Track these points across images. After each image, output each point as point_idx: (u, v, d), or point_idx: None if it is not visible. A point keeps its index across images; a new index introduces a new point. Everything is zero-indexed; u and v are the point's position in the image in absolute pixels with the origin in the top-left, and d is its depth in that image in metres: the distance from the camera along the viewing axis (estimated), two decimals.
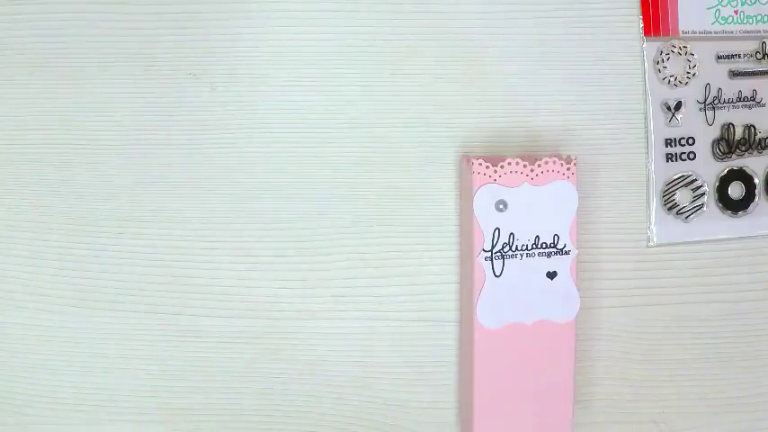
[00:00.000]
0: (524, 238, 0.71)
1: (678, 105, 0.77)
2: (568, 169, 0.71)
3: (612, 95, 0.78)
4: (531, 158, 0.71)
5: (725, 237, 0.79)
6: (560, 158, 0.71)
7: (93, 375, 0.79)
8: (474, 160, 0.71)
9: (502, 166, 0.70)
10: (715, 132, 0.78)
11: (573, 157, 0.72)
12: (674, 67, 0.77)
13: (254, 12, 0.76)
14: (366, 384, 0.80)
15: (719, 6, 0.77)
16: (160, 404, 0.80)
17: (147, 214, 0.78)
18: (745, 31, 0.78)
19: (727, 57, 0.77)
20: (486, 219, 0.71)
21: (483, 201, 0.70)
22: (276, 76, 0.76)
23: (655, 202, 0.78)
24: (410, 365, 0.80)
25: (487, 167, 0.70)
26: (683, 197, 0.78)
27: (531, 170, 0.71)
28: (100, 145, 0.77)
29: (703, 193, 0.78)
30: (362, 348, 0.79)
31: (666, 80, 0.77)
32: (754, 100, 0.78)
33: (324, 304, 0.79)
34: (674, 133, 0.78)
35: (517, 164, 0.70)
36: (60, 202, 0.77)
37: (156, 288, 0.78)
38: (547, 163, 0.71)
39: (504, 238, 0.71)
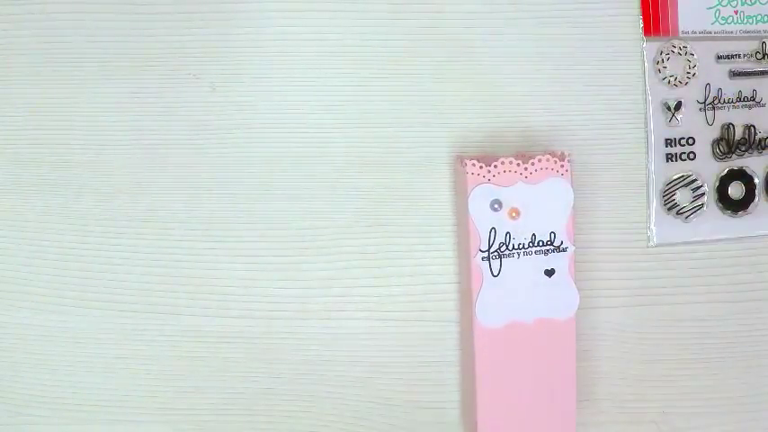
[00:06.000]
0: (521, 237, 0.73)
1: (678, 105, 0.80)
2: (562, 166, 0.73)
3: (612, 95, 0.80)
4: (524, 157, 0.73)
5: (725, 237, 0.81)
6: (554, 156, 0.73)
7: (93, 375, 0.82)
8: (467, 161, 0.73)
9: (495, 166, 0.72)
10: (715, 132, 0.80)
11: (566, 154, 0.74)
12: (674, 67, 0.79)
13: (255, 12, 0.78)
14: (366, 384, 0.82)
15: (719, 6, 0.79)
16: (160, 404, 0.82)
17: (147, 214, 0.80)
18: (745, 31, 0.80)
19: (727, 57, 0.80)
20: (481, 219, 0.73)
21: (478, 201, 0.72)
22: (276, 76, 0.79)
23: (655, 202, 0.81)
24: (410, 365, 0.82)
25: (481, 168, 0.72)
26: (683, 197, 0.81)
27: (525, 168, 0.73)
28: (100, 145, 0.79)
29: (703, 193, 0.81)
30: (362, 348, 0.82)
31: (666, 80, 0.79)
32: (754, 100, 0.80)
33: (324, 304, 0.81)
34: (674, 133, 0.80)
35: (511, 163, 0.72)
36: (60, 202, 0.80)
37: (156, 288, 0.81)
38: (540, 161, 0.73)
39: (500, 238, 0.73)
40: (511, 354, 0.76)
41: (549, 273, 0.75)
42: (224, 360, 0.82)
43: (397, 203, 0.80)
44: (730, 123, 0.80)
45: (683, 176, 0.81)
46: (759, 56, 0.80)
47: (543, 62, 0.80)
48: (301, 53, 0.79)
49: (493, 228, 0.73)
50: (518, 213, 0.73)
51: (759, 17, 0.80)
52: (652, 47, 0.79)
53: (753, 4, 0.80)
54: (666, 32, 0.80)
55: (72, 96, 0.79)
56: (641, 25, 0.79)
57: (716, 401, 0.84)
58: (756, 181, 0.81)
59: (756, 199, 0.81)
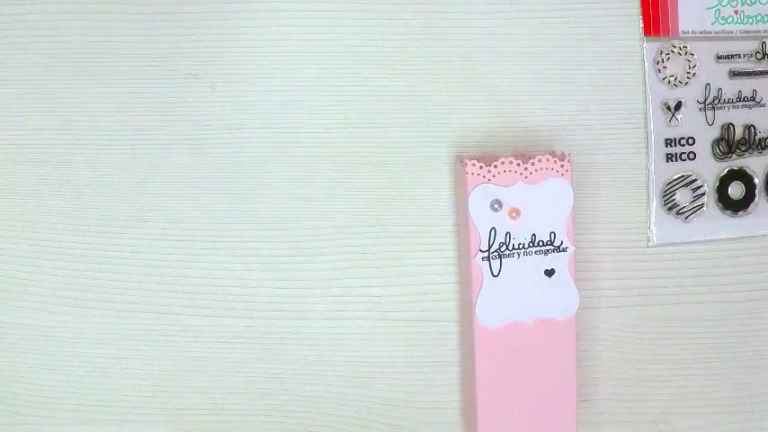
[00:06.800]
0: (521, 237, 0.74)
1: (678, 105, 0.80)
2: (562, 166, 0.74)
3: (612, 95, 0.80)
4: (524, 157, 0.74)
5: (725, 237, 0.82)
6: (554, 156, 0.74)
7: (93, 375, 0.82)
8: (467, 161, 0.73)
9: (495, 166, 0.73)
10: (715, 132, 0.81)
11: (566, 154, 0.74)
12: (674, 67, 0.80)
13: (255, 12, 0.78)
14: (366, 384, 0.83)
15: (719, 6, 0.80)
16: (160, 404, 0.83)
17: (147, 214, 0.80)
18: (745, 31, 0.80)
19: (727, 57, 0.80)
20: (481, 219, 0.73)
21: (478, 201, 0.73)
22: (276, 76, 0.79)
23: (655, 202, 0.81)
24: (410, 365, 0.82)
25: (481, 168, 0.73)
26: (683, 197, 0.81)
27: (525, 168, 0.73)
28: (100, 145, 0.80)
29: (703, 193, 0.81)
30: (362, 348, 0.82)
31: (666, 80, 0.80)
32: (754, 100, 0.80)
33: (324, 304, 0.81)
34: (674, 133, 0.80)
35: (511, 163, 0.73)
36: (60, 202, 0.80)
37: (156, 288, 0.81)
38: (540, 161, 0.73)
39: (500, 238, 0.73)
40: (511, 354, 0.76)
41: (549, 273, 0.75)
42: (224, 360, 0.82)
43: (397, 203, 0.81)
44: (730, 123, 0.81)
45: (683, 176, 0.81)
46: (759, 56, 0.81)
47: (543, 62, 0.80)
48: (301, 53, 0.79)
49: (493, 228, 0.74)
50: (518, 213, 0.74)
51: (759, 17, 0.81)
52: (652, 47, 0.80)
53: (753, 4, 0.80)
54: (666, 32, 0.80)
55: (72, 96, 0.79)
56: (641, 25, 0.80)
57: (716, 401, 0.85)
58: (756, 181, 0.82)
59: (756, 199, 0.82)
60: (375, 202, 0.81)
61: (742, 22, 0.80)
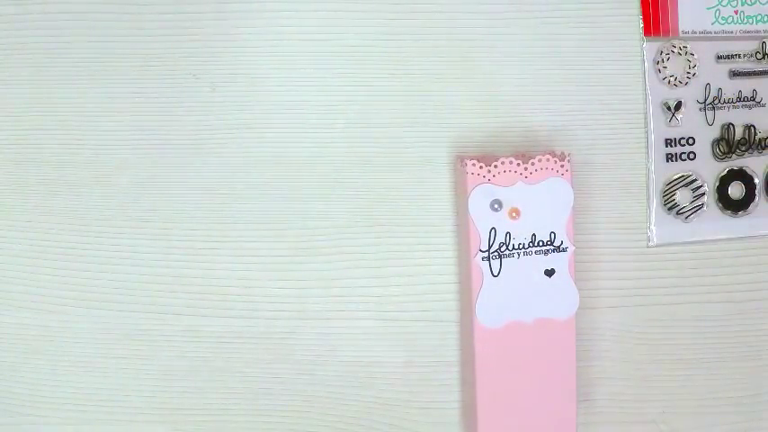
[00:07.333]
0: (521, 237, 0.74)
1: (678, 105, 0.80)
2: (562, 166, 0.74)
3: (612, 95, 0.80)
4: (524, 157, 0.74)
5: (725, 237, 0.82)
6: (554, 156, 0.74)
7: (93, 375, 0.82)
8: (467, 161, 0.73)
9: (495, 166, 0.73)
10: (715, 132, 0.81)
11: (566, 154, 0.74)
12: (674, 67, 0.80)
13: (255, 12, 0.78)
14: (366, 384, 0.83)
15: (719, 6, 0.80)
16: (160, 404, 0.82)
17: (147, 214, 0.80)
18: (745, 31, 0.80)
19: (727, 57, 0.80)
20: (481, 219, 0.73)
21: (478, 201, 0.73)
22: (276, 76, 0.79)
23: (655, 202, 0.81)
24: (410, 365, 0.82)
25: (481, 168, 0.73)
26: (683, 197, 0.81)
27: (525, 168, 0.73)
28: (100, 145, 0.79)
29: (703, 193, 0.81)
30: (362, 348, 0.82)
31: (666, 80, 0.80)
32: (754, 100, 0.81)
33: (324, 304, 0.81)
34: (674, 133, 0.81)
35: (511, 163, 0.73)
36: (60, 202, 0.80)
37: (156, 288, 0.81)
38: (540, 161, 0.73)
39: (500, 238, 0.74)
40: (511, 354, 0.76)
41: (549, 273, 0.75)
42: (224, 360, 0.82)
43: (397, 203, 0.81)
44: (730, 123, 0.81)
45: (683, 176, 0.81)
46: (759, 56, 0.81)
47: (543, 62, 0.80)
48: (301, 53, 0.79)
49: (493, 228, 0.74)
50: (518, 213, 0.74)
51: (759, 17, 0.81)
52: (652, 47, 0.80)
53: (753, 4, 0.81)
54: (666, 32, 0.80)
55: (72, 96, 0.79)
56: (641, 25, 0.80)
57: (716, 401, 0.85)
58: (756, 181, 0.82)
59: (756, 199, 0.82)
60: (375, 202, 0.81)
61: (742, 22, 0.81)
